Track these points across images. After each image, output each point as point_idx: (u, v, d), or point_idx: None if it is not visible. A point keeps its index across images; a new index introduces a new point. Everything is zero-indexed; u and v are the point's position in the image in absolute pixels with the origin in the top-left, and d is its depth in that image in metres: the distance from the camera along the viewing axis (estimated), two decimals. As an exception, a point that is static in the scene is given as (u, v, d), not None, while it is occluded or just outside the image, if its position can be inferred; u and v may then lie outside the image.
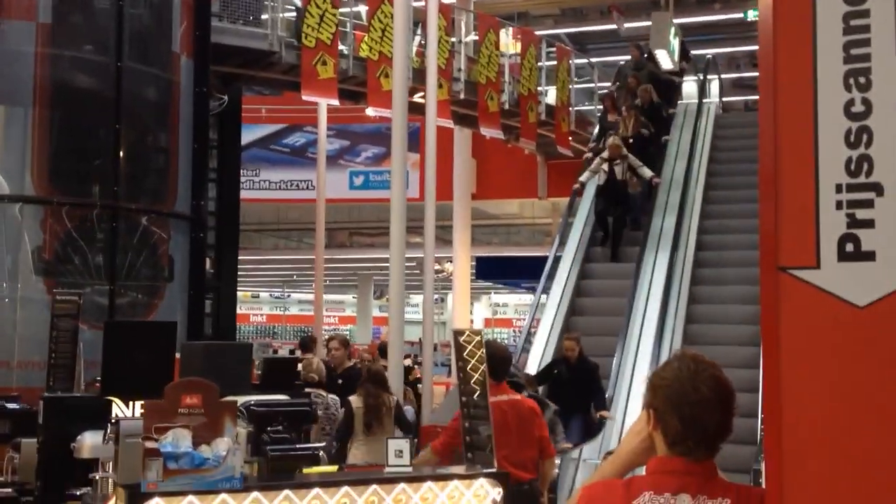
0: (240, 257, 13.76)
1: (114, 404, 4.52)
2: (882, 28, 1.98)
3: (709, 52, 18.15)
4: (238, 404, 4.06)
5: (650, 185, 12.17)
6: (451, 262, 20.90)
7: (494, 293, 40.13)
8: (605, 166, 11.77)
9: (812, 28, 2.03)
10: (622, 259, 11.73)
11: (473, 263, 22.01)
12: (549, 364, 9.65)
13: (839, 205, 1.99)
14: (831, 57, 2.02)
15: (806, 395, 2.02)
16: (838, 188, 1.99)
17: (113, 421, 3.84)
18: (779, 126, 2.05)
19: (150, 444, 3.04)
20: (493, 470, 3.83)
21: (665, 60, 13.55)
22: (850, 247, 1.98)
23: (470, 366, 4.39)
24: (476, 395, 4.28)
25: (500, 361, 5.70)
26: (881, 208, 1.95)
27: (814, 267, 2.00)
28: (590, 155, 12.96)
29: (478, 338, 4.35)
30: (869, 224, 1.96)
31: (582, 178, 12.32)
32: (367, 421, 7.09)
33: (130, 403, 4.48)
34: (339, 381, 8.53)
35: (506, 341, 33.12)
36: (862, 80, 2.00)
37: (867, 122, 1.98)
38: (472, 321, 28.66)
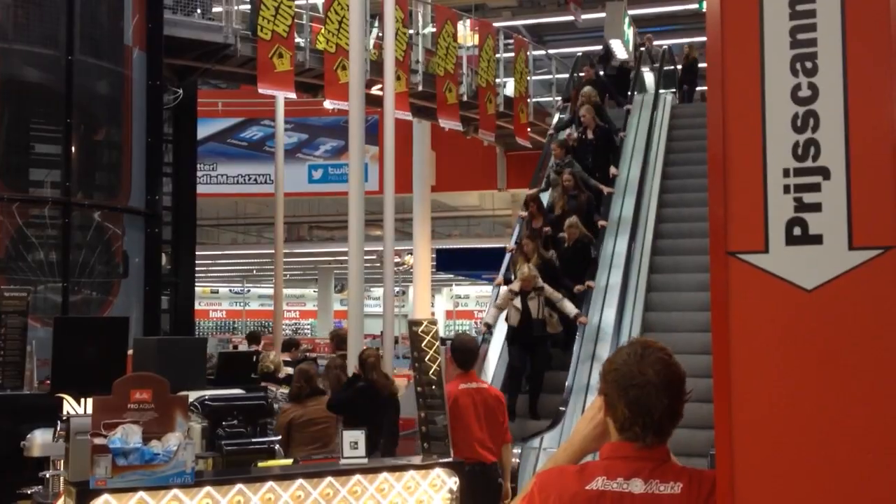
0: (198, 253, 13.63)
1: (65, 401, 4.44)
2: (828, 13, 1.99)
3: (664, 42, 18.27)
4: (192, 399, 4.01)
5: (574, 323, 9.22)
6: (411, 254, 20.89)
7: (456, 285, 40.20)
8: (517, 301, 8.90)
9: (759, 14, 2.04)
10: (540, 415, 8.94)
11: (434, 255, 22.01)
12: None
13: (787, 189, 2.00)
14: (778, 42, 2.03)
15: (755, 378, 2.03)
16: (786, 172, 2.00)
17: (63, 418, 3.77)
18: (727, 111, 2.05)
19: (98, 441, 2.98)
20: (450, 459, 3.82)
21: (619, 50, 13.57)
22: (797, 230, 1.99)
23: (428, 356, 4.38)
24: (433, 385, 4.27)
25: (468, 352, 6.24)
26: (828, 192, 1.97)
27: (762, 251, 2.01)
28: (501, 285, 9.95)
29: (434, 328, 4.33)
30: (816, 208, 1.97)
31: (487, 320, 9.53)
32: None
33: (82, 400, 4.40)
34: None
35: (468, 332, 33.23)
36: (808, 64, 2.01)
37: (813, 106, 2.00)
38: (433, 313, 28.68)
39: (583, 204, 10.67)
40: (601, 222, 10.83)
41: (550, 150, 11.96)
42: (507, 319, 9.11)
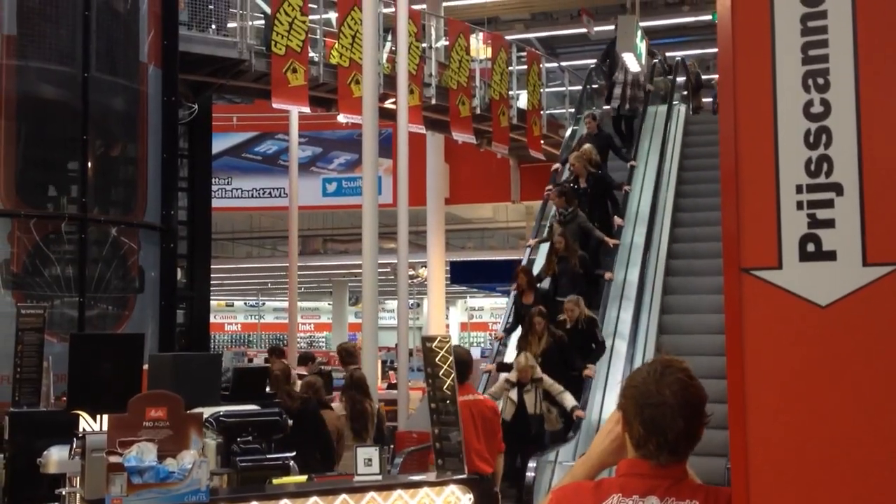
0: (213, 266, 13.68)
1: (81, 418, 4.46)
2: (840, 29, 1.99)
3: (678, 54, 18.28)
4: (207, 415, 4.03)
5: (571, 417, 8.44)
6: (425, 267, 20.90)
7: (470, 297, 40.17)
8: (513, 393, 8.22)
9: (770, 30, 2.04)
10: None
11: (448, 268, 22.02)
12: None
13: (800, 205, 2.00)
14: (790, 58, 2.03)
15: (770, 395, 2.02)
16: (799, 189, 2.00)
17: (79, 435, 3.78)
18: (739, 127, 2.05)
19: (113, 459, 3.00)
20: (464, 476, 3.82)
21: (632, 63, 13.51)
22: (811, 247, 1.98)
23: (442, 371, 4.38)
24: (447, 401, 4.27)
25: (462, 364, 6.19)
26: (841, 208, 1.96)
27: (776, 267, 2.01)
28: (492, 369, 9.37)
29: (448, 344, 4.34)
30: (829, 224, 1.97)
31: None
32: (355, 427, 7.26)
33: (98, 417, 4.43)
34: None
35: (482, 345, 33.25)
36: (820, 80, 2.01)
37: (826, 122, 2.00)
38: (447, 326, 28.69)
39: (573, 268, 9.86)
40: (607, 275, 10.07)
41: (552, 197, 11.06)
42: (501, 411, 8.10)
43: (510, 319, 9.98)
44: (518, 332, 9.51)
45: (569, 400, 8.37)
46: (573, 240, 10.11)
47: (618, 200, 11.35)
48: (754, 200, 2.03)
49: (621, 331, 9.82)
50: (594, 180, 10.97)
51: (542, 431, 8.31)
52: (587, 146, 11.43)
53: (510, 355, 9.39)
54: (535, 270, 10.69)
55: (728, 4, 2.08)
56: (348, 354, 9.22)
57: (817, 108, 2.02)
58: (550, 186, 11.67)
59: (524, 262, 10.89)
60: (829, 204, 1.98)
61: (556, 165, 12.48)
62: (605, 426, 2.19)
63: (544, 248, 11.07)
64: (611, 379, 9.19)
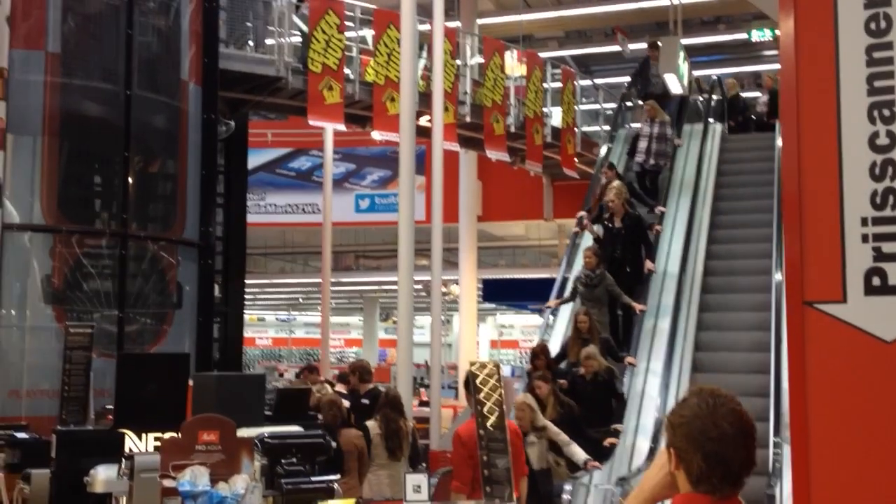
0: (246, 281, 13.73)
1: (127, 437, 4.48)
2: (905, 60, 1.98)
3: (714, 72, 18.19)
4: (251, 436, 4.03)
5: (585, 468, 7.68)
6: (457, 284, 20.88)
7: (500, 314, 40.03)
8: None
9: (835, 61, 2.03)
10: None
11: (480, 286, 21.98)
12: None
13: (865, 238, 1.98)
14: (855, 89, 2.02)
15: (833, 430, 2.00)
16: (864, 221, 1.98)
17: (127, 455, 3.80)
18: (802, 159, 2.04)
19: (167, 483, 3.01)
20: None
21: (674, 85, 13.43)
22: (876, 280, 1.96)
23: (483, 394, 4.36)
24: (490, 423, 4.25)
25: None
26: (908, 242, 1.94)
27: (840, 301, 1.99)
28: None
29: (495, 369, 4.32)
30: (895, 258, 1.94)
31: None
32: (390, 446, 7.21)
33: (143, 436, 4.45)
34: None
35: (511, 363, 33.16)
36: (886, 112, 1.99)
37: (892, 154, 1.98)
38: (478, 342, 28.62)
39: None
40: (628, 359, 9.45)
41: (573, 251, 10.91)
42: None
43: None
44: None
45: (579, 453, 7.58)
46: (603, 302, 9.78)
47: (651, 243, 10.85)
48: (818, 233, 2.02)
49: (649, 391, 9.34)
50: (629, 220, 10.57)
51: (549, 489, 7.32)
52: (618, 182, 11.02)
53: None
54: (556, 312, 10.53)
55: (791, 34, 2.07)
56: (367, 372, 9.20)
57: (883, 140, 2.00)
58: (576, 229, 11.45)
59: (542, 335, 10.25)
60: (894, 237, 1.96)
61: (581, 213, 11.88)
62: (658, 460, 2.17)
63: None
64: (637, 449, 8.70)
